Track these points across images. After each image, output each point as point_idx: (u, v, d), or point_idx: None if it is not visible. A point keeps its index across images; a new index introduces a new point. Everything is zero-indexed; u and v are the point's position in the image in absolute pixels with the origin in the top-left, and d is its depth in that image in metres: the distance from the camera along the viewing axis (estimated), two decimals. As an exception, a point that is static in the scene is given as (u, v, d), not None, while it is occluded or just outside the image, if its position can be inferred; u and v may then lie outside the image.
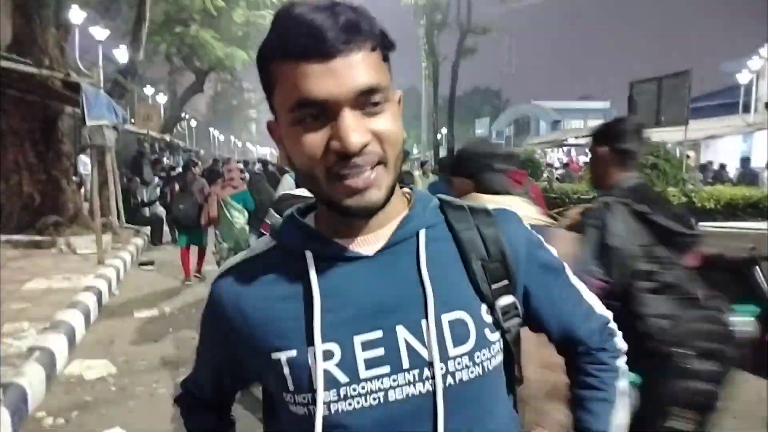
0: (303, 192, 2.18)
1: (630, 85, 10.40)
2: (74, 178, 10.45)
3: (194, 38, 18.48)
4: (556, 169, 18.01)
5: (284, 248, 0.79)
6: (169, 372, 4.24)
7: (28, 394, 3.42)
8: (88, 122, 7.08)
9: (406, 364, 0.72)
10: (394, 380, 0.71)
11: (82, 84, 7.15)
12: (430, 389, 0.72)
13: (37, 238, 8.26)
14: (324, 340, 0.71)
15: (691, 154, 15.21)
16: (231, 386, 0.92)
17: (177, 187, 7.89)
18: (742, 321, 1.81)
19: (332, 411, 0.71)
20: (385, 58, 0.72)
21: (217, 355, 0.85)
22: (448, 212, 0.81)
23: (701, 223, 2.86)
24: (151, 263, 8.36)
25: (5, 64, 6.53)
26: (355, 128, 0.66)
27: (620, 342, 0.93)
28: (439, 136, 29.68)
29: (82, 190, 11.34)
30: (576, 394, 0.92)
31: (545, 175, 13.72)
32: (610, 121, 2.07)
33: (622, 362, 0.92)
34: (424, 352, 0.72)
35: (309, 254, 0.75)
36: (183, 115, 27.91)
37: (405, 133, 0.74)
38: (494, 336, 0.77)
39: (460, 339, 0.74)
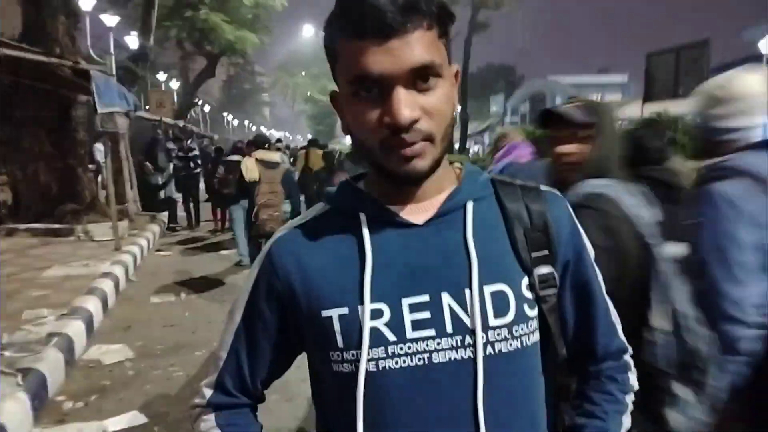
0: None
1: (647, 56, 10.15)
2: (90, 166, 10.57)
3: (204, 22, 18.46)
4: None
5: (339, 211, 0.83)
6: (185, 356, 4.30)
7: (47, 379, 3.50)
8: (99, 110, 7.10)
9: (449, 329, 0.75)
10: (438, 343, 0.75)
11: (92, 72, 7.16)
12: (471, 356, 0.75)
13: (55, 226, 8.38)
14: (374, 299, 0.75)
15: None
16: (280, 357, 0.88)
17: (222, 170, 7.91)
18: None
19: (379, 367, 0.75)
20: (443, 34, 0.74)
21: (272, 318, 0.84)
22: (498, 187, 0.85)
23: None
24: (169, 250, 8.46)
25: (16, 53, 6.57)
26: (406, 105, 0.69)
27: (633, 379, 0.91)
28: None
29: (99, 178, 11.48)
30: (575, 421, 0.89)
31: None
32: None
33: (629, 399, 0.90)
34: (466, 320, 0.75)
35: (363, 217, 0.80)
36: (196, 100, 28.00)
37: (458, 106, 0.77)
38: (533, 312, 0.80)
39: (500, 311, 0.76)
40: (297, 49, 35.65)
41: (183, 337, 4.72)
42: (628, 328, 0.94)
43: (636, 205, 1.39)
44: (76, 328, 4.32)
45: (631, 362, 0.92)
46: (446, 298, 0.76)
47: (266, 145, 5.67)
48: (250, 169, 5.33)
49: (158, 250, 8.58)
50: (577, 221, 0.87)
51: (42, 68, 7.35)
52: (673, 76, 9.43)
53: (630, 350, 0.93)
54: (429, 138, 0.72)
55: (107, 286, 5.59)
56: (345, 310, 0.76)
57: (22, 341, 3.93)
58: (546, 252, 0.81)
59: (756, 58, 27.46)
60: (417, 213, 0.79)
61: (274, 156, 5.55)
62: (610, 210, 1.35)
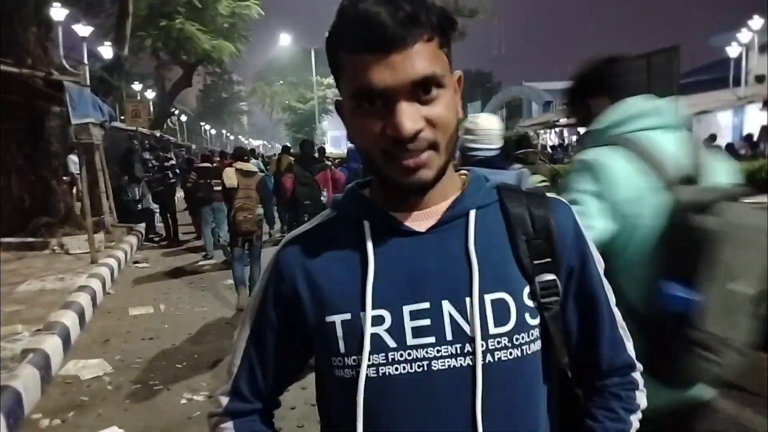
0: None
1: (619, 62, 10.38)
2: (65, 177, 10.38)
3: (180, 31, 18.30)
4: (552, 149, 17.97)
5: (344, 218, 0.85)
6: (165, 369, 4.24)
7: (22, 396, 3.41)
8: (73, 121, 7.01)
9: (449, 337, 0.75)
10: (437, 351, 0.75)
11: (65, 82, 7.07)
12: (471, 364, 0.75)
13: (29, 239, 8.21)
14: (375, 306, 0.76)
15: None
16: (291, 362, 0.89)
17: (195, 176, 8.76)
18: None
19: (379, 373, 0.75)
20: (445, 43, 0.75)
21: (280, 322, 0.85)
22: (503, 193, 0.85)
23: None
24: (146, 261, 8.35)
25: (-14, 65, 6.44)
26: (408, 117, 0.70)
27: (641, 398, 0.89)
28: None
29: (74, 190, 11.27)
30: None
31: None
32: None
33: (634, 418, 0.87)
34: (466, 328, 0.76)
35: (366, 224, 0.81)
36: (172, 110, 27.70)
37: (461, 112, 0.79)
38: (534, 321, 0.79)
39: (500, 319, 0.76)
40: (274, 57, 35.57)
41: (162, 349, 4.65)
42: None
43: None
44: (52, 344, 4.23)
45: (640, 380, 0.90)
46: (447, 306, 0.76)
47: (245, 157, 6.27)
48: (229, 177, 5.79)
49: (135, 262, 8.44)
50: (584, 230, 0.86)
51: (14, 79, 7.22)
52: (644, 81, 9.64)
53: (639, 367, 0.90)
54: (433, 147, 0.73)
55: (84, 299, 5.48)
56: (348, 316, 0.78)
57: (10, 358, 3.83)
58: (548, 260, 0.81)
59: (723, 62, 28.27)
60: (420, 220, 0.80)
61: (250, 166, 6.07)
62: None
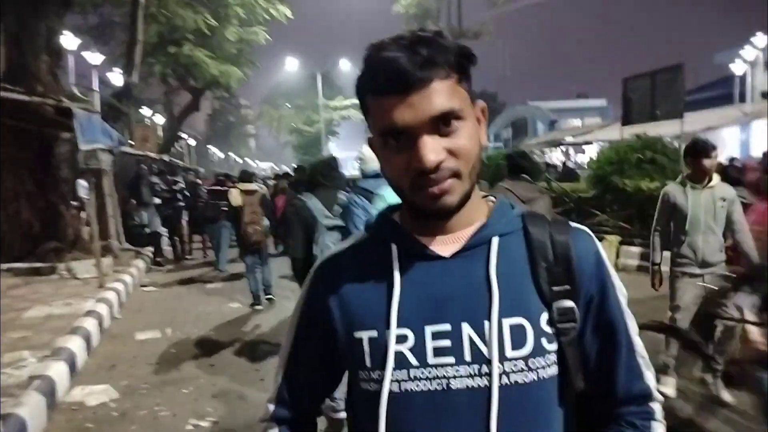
0: None
1: (624, 81, 10.39)
2: (74, 203, 10.46)
3: (188, 58, 18.53)
4: (558, 168, 17.92)
5: (374, 240, 0.90)
6: (171, 394, 4.21)
7: (27, 424, 3.39)
8: (82, 147, 7.08)
9: (468, 358, 0.79)
10: (456, 371, 0.79)
11: (74, 109, 7.15)
12: (487, 385, 0.78)
13: (37, 264, 8.22)
14: (400, 325, 0.81)
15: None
16: (328, 373, 0.95)
17: (207, 196, 10.19)
18: None
19: (401, 389, 0.80)
20: (463, 78, 0.81)
21: (316, 336, 0.92)
22: (528, 221, 0.88)
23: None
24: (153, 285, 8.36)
25: (-2, 93, 6.55)
26: (430, 149, 0.76)
27: (658, 428, 0.87)
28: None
29: (83, 215, 11.35)
30: None
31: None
32: None
33: None
34: (484, 350, 0.79)
35: (394, 248, 0.87)
36: (181, 134, 27.98)
37: (485, 140, 0.85)
38: (551, 346, 0.82)
39: (517, 343, 0.80)
40: (281, 81, 35.92)
41: (169, 374, 4.63)
42: None
43: None
44: (58, 370, 4.21)
45: (658, 411, 0.88)
46: (466, 329, 0.80)
47: (248, 179, 7.34)
48: (234, 197, 6.82)
49: (143, 286, 8.45)
50: (606, 259, 0.88)
51: (24, 107, 7.33)
52: (649, 99, 9.64)
53: (659, 398, 0.89)
54: (456, 175, 0.78)
55: (91, 324, 5.48)
56: (374, 333, 0.83)
57: (2, 385, 3.81)
58: (567, 287, 0.83)
59: (727, 79, 28.29)
60: (445, 245, 0.85)
61: (253, 186, 7.13)
62: None
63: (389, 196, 2.74)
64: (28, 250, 8.46)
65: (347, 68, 32.56)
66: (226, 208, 8.04)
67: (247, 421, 3.66)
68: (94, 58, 18.74)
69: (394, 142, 0.78)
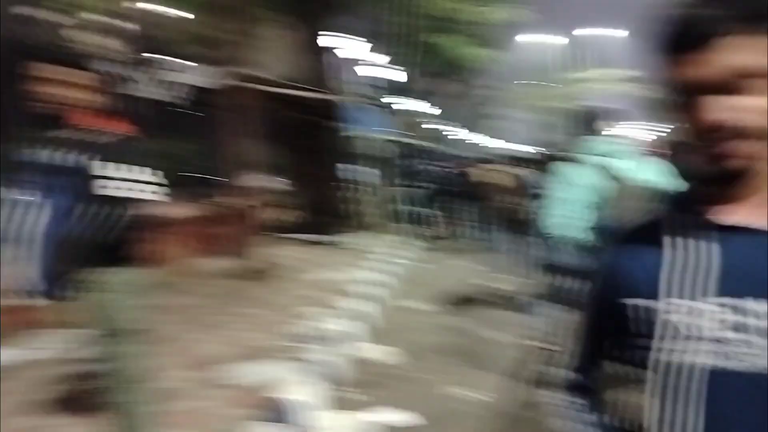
0: None
1: None
2: (356, 185, 12.14)
3: (448, 48, 19.32)
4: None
5: (667, 216, 0.89)
6: (440, 363, 4.53)
7: (335, 370, 4.04)
8: (353, 134, 8.11)
9: (753, 338, 0.76)
10: (737, 346, 0.77)
11: (356, 104, 8.27)
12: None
13: (326, 237, 9.54)
14: (671, 295, 0.81)
15: None
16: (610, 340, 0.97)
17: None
18: None
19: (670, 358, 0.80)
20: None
21: (603, 306, 0.94)
22: None
23: None
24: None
25: (306, 94, 7.93)
26: (716, 108, 0.75)
27: None
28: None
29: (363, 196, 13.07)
30: None
31: None
32: None
33: None
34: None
35: (676, 220, 0.86)
36: (441, 121, 29.48)
37: None
38: None
39: None
40: (516, 60, 35.21)
41: (440, 344, 4.97)
42: None
43: None
44: (352, 327, 4.91)
45: None
46: (753, 306, 0.76)
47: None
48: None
49: (416, 261, 9.04)
50: None
51: (322, 104, 8.71)
52: None
53: None
54: (744, 135, 0.75)
55: (377, 291, 6.25)
56: (649, 303, 0.82)
57: (310, 335, 4.50)
58: None
59: None
60: (733, 215, 0.80)
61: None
62: None
63: None
64: (312, 226, 9.99)
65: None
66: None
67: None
68: (368, 55, 20.64)
69: (688, 100, 0.78)
